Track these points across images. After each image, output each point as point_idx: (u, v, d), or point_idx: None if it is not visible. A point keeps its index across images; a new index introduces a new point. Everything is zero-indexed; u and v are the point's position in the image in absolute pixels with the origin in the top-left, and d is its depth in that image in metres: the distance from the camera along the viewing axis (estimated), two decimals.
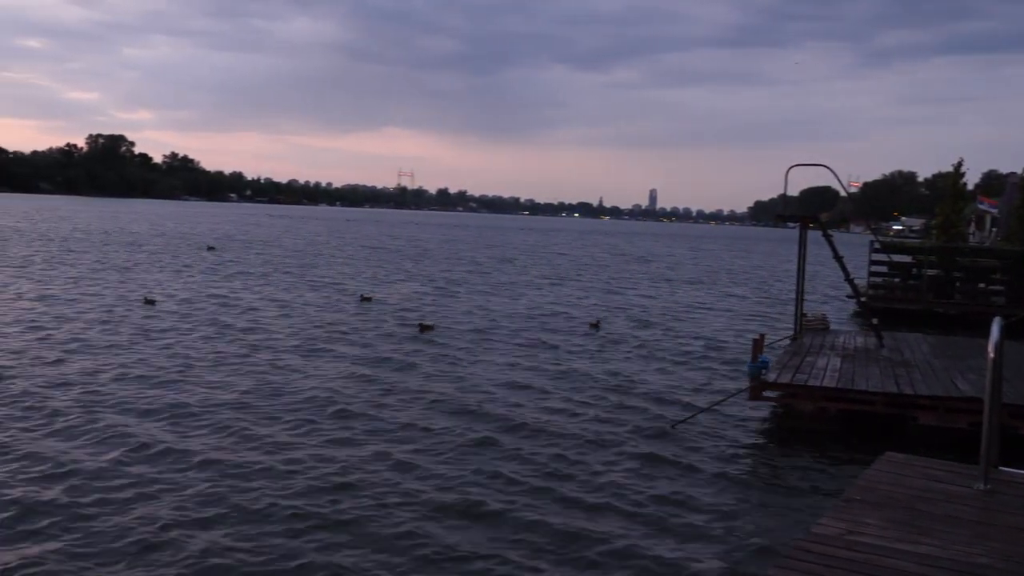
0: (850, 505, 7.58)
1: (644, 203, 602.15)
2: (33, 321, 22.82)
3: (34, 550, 8.73)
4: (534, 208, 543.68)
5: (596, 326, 26.68)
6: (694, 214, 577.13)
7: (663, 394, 17.34)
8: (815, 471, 12.67)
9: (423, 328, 24.33)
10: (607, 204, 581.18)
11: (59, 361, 17.81)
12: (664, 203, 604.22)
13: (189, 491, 10.53)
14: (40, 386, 15.52)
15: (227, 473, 11.26)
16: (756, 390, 15.12)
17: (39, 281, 32.40)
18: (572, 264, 62.13)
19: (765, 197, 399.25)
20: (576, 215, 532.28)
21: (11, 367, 16.93)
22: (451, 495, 10.84)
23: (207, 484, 10.80)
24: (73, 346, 19.58)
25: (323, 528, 9.61)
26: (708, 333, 26.77)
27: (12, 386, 15.40)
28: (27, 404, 14.26)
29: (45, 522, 9.42)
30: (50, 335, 20.84)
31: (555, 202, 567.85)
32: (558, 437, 13.78)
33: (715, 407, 15.70)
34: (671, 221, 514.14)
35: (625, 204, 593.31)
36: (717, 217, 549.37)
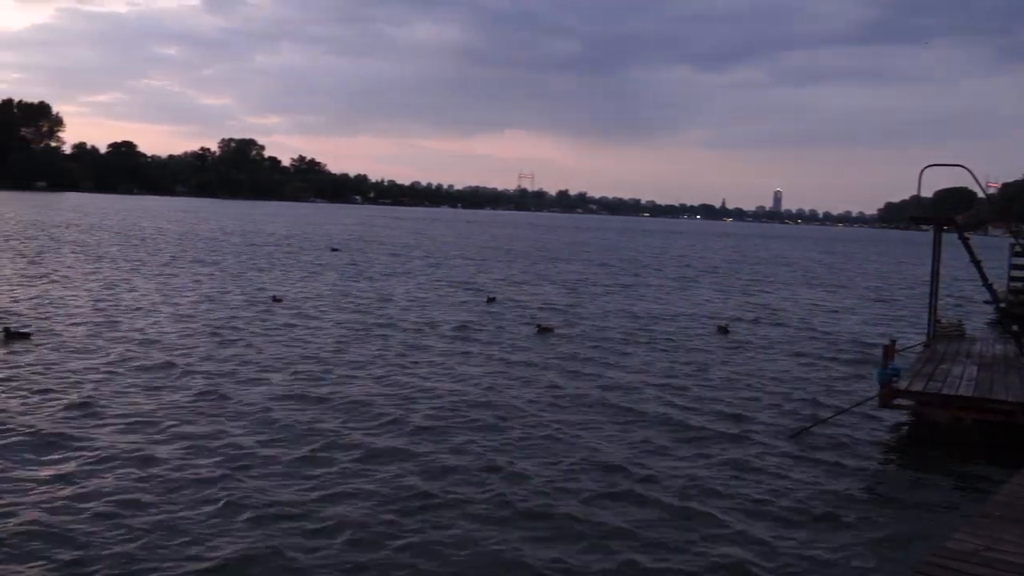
0: (988, 520, 7.31)
1: (768, 204, 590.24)
2: (189, 316, 24.10)
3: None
4: (655, 210, 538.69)
5: (725, 330, 26.26)
6: (820, 216, 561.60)
7: (792, 399, 17.14)
8: (949, 483, 12.24)
9: (542, 329, 24.45)
10: (730, 206, 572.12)
11: (207, 352, 18.82)
12: (789, 204, 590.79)
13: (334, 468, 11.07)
14: (199, 373, 16.50)
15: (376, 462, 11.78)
16: (887, 397, 14.68)
17: (192, 277, 34.01)
18: (699, 266, 61.49)
19: (896, 198, 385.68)
20: (698, 217, 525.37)
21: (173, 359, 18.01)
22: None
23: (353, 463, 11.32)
24: (211, 340, 20.58)
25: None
26: (838, 337, 26.14)
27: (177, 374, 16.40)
28: (198, 390, 15.16)
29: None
30: (196, 329, 21.92)
31: (676, 204, 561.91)
32: (684, 441, 13.81)
33: (844, 414, 15.38)
34: (796, 223, 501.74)
35: (748, 206, 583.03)
36: (845, 219, 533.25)
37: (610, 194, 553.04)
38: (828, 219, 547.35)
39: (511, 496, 10.82)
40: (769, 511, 10.73)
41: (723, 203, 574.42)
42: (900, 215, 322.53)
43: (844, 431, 14.65)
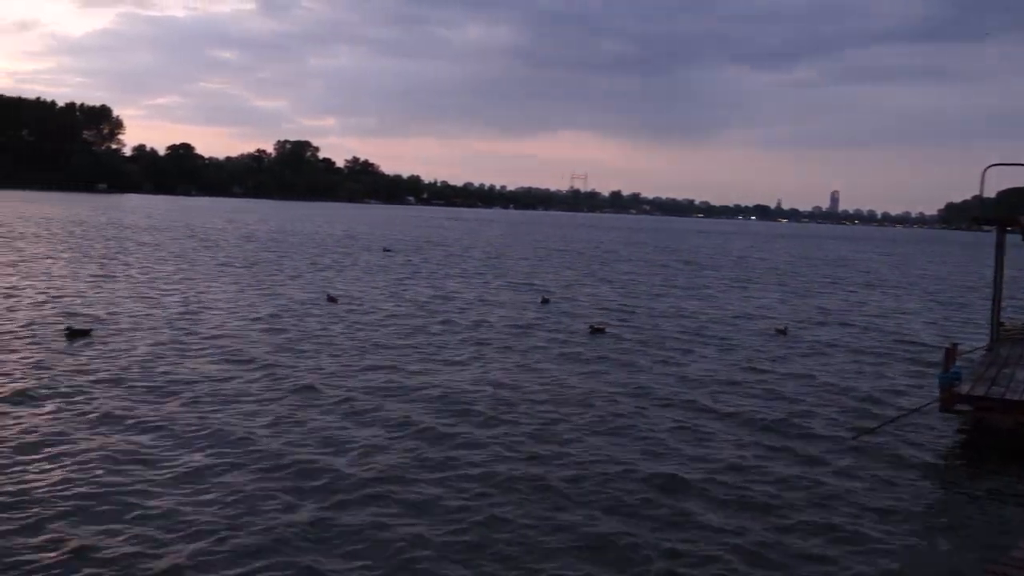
0: None
1: (825, 205, 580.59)
2: (251, 314, 24.57)
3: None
4: (709, 211, 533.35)
5: (783, 332, 26.08)
6: (879, 216, 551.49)
7: (850, 401, 17.02)
8: (1010, 490, 12.08)
9: (594, 329, 24.47)
10: (785, 207, 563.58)
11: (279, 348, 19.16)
12: (846, 205, 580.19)
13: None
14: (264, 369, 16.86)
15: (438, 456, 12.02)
16: (947, 402, 14.48)
17: (252, 276, 34.61)
18: (756, 267, 60.96)
19: (958, 199, 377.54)
20: (753, 218, 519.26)
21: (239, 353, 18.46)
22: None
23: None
24: (273, 336, 20.89)
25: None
26: (899, 340, 25.81)
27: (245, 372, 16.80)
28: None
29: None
30: (260, 327, 22.31)
31: (730, 205, 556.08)
32: (745, 438, 13.84)
33: (904, 417, 15.21)
34: (854, 224, 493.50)
35: (804, 206, 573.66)
36: (904, 220, 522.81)
37: (663, 195, 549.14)
38: (887, 220, 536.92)
39: (579, 479, 11.36)
40: (830, 510, 10.74)
41: (778, 203, 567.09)
42: (962, 216, 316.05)
43: (904, 434, 14.51)
